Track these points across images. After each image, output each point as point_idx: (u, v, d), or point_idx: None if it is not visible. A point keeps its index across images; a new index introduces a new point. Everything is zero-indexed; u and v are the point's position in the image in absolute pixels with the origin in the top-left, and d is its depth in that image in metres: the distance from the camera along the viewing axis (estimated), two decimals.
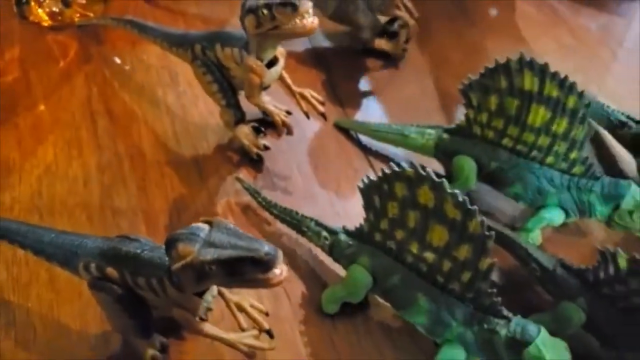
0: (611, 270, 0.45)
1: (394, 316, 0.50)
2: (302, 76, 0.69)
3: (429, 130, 0.59)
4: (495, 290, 0.44)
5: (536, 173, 0.54)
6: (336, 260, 0.51)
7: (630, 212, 0.52)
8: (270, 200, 0.56)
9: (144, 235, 0.49)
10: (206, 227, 0.39)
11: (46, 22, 0.75)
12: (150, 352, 0.45)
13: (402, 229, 0.46)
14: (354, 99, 0.69)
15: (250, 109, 0.61)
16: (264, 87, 0.58)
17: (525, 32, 0.78)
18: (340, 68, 0.72)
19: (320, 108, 0.61)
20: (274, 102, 0.62)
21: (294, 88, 0.61)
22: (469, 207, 0.41)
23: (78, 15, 0.75)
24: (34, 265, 0.52)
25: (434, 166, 0.59)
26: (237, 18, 0.55)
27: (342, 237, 0.51)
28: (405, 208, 0.45)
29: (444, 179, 0.42)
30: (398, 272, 0.47)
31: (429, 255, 0.45)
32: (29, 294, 0.51)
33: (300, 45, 0.73)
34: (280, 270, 0.38)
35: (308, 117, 0.61)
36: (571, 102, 0.50)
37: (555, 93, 0.50)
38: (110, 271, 0.43)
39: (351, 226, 0.50)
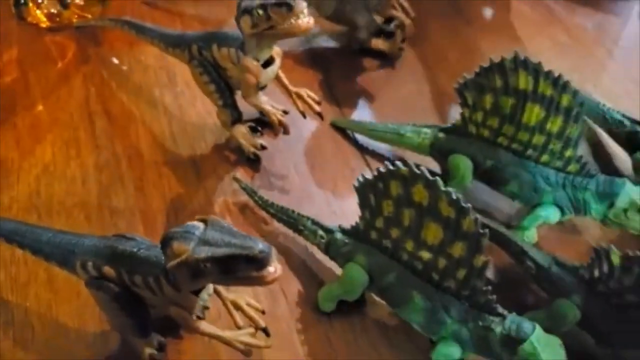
0: (605, 267, 0.45)
1: (390, 314, 0.50)
2: (299, 76, 0.69)
3: (425, 130, 0.59)
4: (490, 287, 0.44)
5: (532, 171, 0.54)
6: (332, 258, 0.52)
7: (625, 210, 0.52)
8: (267, 200, 0.56)
9: (141, 234, 0.50)
10: (201, 225, 0.40)
11: (44, 23, 0.75)
12: (148, 350, 0.45)
13: (397, 227, 0.46)
14: (351, 99, 0.69)
15: (247, 109, 0.62)
16: (261, 87, 0.58)
17: (521, 31, 0.78)
18: (337, 68, 0.72)
19: (317, 107, 0.62)
20: (271, 102, 0.62)
21: (291, 88, 0.61)
22: (463, 204, 0.42)
23: (76, 16, 0.75)
24: (32, 265, 0.52)
25: (431, 165, 0.59)
26: (234, 19, 0.55)
27: (338, 235, 0.51)
28: (400, 206, 0.45)
29: (437, 177, 0.42)
30: (394, 270, 0.47)
31: (424, 253, 0.45)
32: (28, 294, 0.51)
33: (297, 45, 0.73)
34: (275, 267, 0.38)
35: (304, 116, 0.62)
36: (565, 100, 0.50)
37: (549, 92, 0.50)
38: (107, 270, 0.43)
39: (348, 225, 0.50)
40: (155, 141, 0.64)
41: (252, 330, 0.46)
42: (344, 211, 0.58)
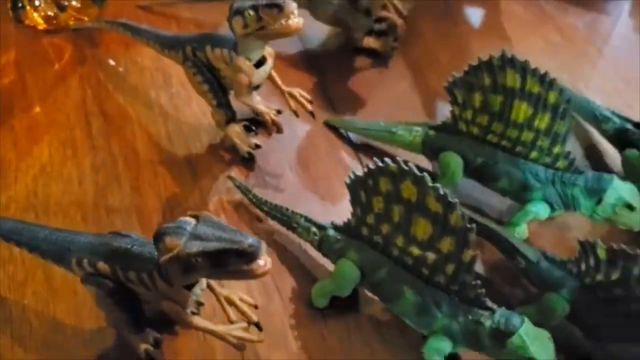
0: (591, 261, 0.45)
1: (383, 310, 0.51)
2: (293, 75, 0.69)
3: (416, 128, 0.60)
4: (479, 282, 0.44)
5: (521, 168, 0.54)
6: (325, 255, 0.52)
7: (613, 206, 0.52)
8: (261, 198, 0.57)
9: (137, 233, 0.50)
10: (193, 221, 0.40)
11: (41, 25, 0.75)
12: (144, 346, 0.46)
13: (387, 223, 0.47)
14: (344, 98, 0.70)
15: (241, 109, 0.62)
16: (254, 87, 0.59)
17: (512, 30, 0.79)
18: (330, 67, 0.73)
19: (309, 106, 0.62)
20: (264, 102, 0.63)
21: (283, 87, 0.62)
22: (450, 200, 0.42)
23: (73, 19, 0.76)
24: (29, 263, 0.53)
25: (423, 163, 0.60)
26: (226, 20, 0.55)
27: (331, 232, 0.51)
28: (389, 202, 0.46)
29: (425, 173, 0.43)
30: (385, 265, 0.48)
31: (414, 249, 0.46)
32: (25, 292, 0.52)
33: (290, 45, 0.74)
34: (264, 261, 0.38)
35: (297, 115, 0.62)
36: (552, 97, 0.51)
37: (536, 89, 0.51)
38: (102, 266, 0.44)
39: (340, 222, 0.51)
40: (151, 141, 0.64)
41: (244, 324, 0.46)
42: (338, 209, 0.58)
